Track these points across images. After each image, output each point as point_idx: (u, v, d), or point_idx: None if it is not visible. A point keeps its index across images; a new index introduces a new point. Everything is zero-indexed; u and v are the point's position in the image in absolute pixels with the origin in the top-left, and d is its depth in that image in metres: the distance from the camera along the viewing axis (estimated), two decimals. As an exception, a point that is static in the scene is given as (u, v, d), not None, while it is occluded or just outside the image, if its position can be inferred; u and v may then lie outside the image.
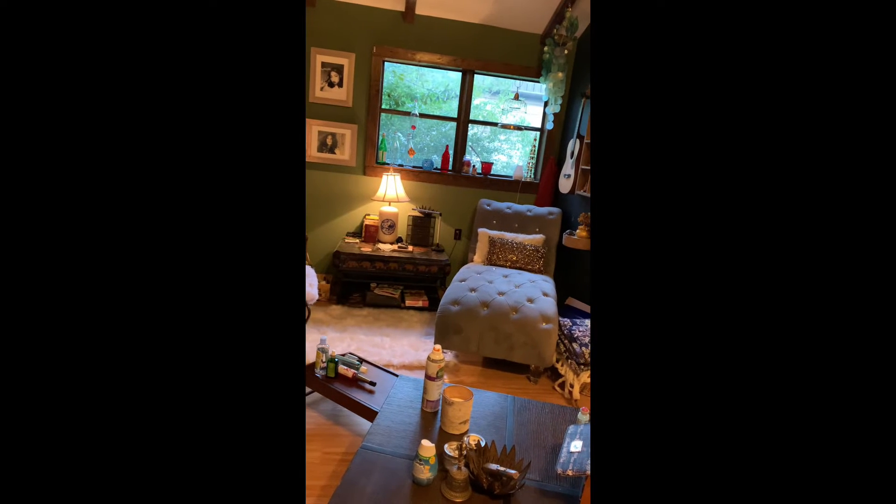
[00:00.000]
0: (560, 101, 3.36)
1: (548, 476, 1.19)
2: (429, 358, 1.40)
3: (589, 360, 2.27)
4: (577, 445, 1.14)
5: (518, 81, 3.65)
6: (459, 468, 1.10)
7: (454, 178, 3.65)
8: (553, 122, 3.47)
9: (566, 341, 2.41)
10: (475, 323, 2.41)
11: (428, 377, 1.41)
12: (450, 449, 1.17)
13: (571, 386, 2.30)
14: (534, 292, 2.61)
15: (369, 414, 1.72)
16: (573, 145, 3.23)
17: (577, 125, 3.22)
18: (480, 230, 3.29)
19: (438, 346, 1.41)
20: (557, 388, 2.41)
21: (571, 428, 1.23)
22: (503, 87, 3.82)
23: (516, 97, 3.61)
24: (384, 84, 3.49)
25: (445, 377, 1.39)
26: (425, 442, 1.11)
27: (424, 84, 3.80)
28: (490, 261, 3.14)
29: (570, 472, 1.04)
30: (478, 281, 2.70)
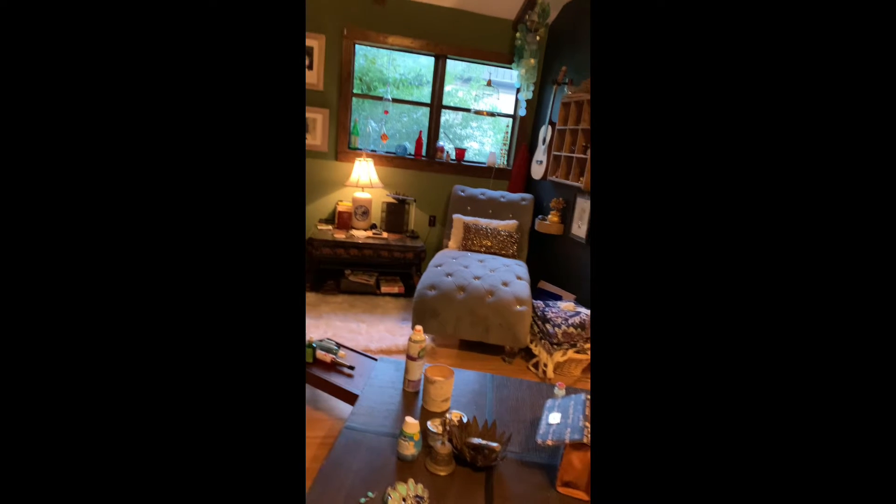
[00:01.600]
0: (532, 88, 3.40)
1: (527, 448, 1.24)
2: (410, 339, 1.42)
3: (562, 339, 2.35)
4: (555, 417, 1.19)
5: (490, 68, 3.66)
6: (443, 443, 1.13)
7: (428, 164, 3.65)
8: (525, 108, 3.51)
9: (540, 322, 2.48)
10: (452, 307, 2.44)
11: (409, 357, 1.43)
12: (433, 425, 1.19)
13: (545, 365, 2.37)
14: (508, 276, 2.66)
15: (349, 397, 1.73)
16: (545, 132, 3.27)
17: (549, 112, 3.26)
18: (455, 216, 3.31)
19: (420, 327, 1.43)
20: (532, 368, 2.48)
21: (549, 402, 1.28)
22: (475, 73, 3.82)
23: (489, 84, 3.62)
24: (356, 68, 3.43)
25: (426, 357, 1.41)
26: (409, 419, 1.13)
27: (396, 69, 3.75)
28: (465, 246, 3.17)
29: (549, 442, 1.09)
30: (454, 266, 2.73)
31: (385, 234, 3.38)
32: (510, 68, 3.55)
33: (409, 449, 1.12)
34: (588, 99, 2.70)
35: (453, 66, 3.69)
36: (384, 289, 3.28)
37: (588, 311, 2.47)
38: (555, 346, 2.35)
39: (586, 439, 1.05)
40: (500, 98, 3.85)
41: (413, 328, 2.51)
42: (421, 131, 3.63)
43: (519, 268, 2.85)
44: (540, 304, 2.58)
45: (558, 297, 2.95)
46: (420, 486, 1.03)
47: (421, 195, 3.66)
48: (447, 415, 1.29)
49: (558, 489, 1.09)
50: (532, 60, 3.26)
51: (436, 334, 2.54)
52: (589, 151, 2.64)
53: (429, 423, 1.20)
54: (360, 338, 2.60)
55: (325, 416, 1.93)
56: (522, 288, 2.56)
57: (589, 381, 2.43)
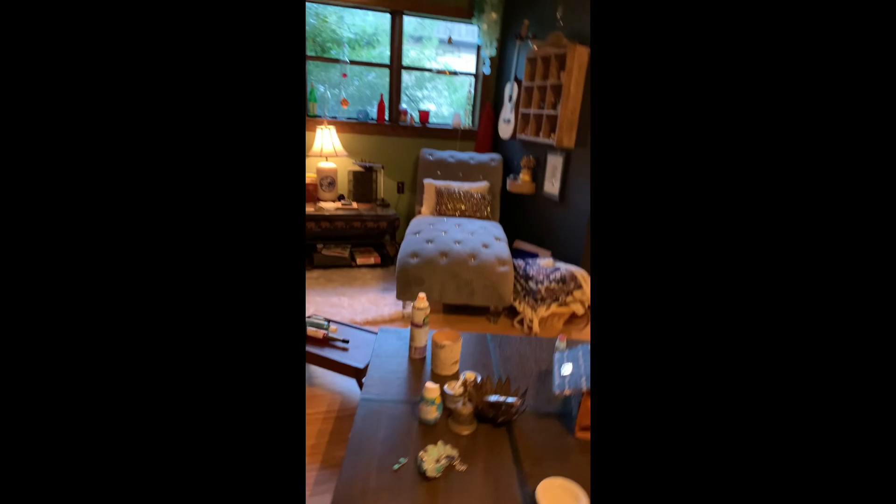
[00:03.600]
0: (495, 45, 3.32)
1: (540, 400, 1.29)
2: (414, 307, 1.41)
3: (545, 295, 2.41)
4: (567, 369, 1.23)
5: (450, 24, 3.52)
6: (464, 403, 1.14)
7: (392, 129, 3.53)
8: (490, 66, 3.43)
9: (522, 280, 2.53)
10: (436, 273, 2.44)
11: (414, 325, 1.42)
12: (450, 388, 1.21)
13: (531, 321, 2.44)
14: (487, 238, 2.68)
15: (350, 371, 1.72)
16: (510, 89, 3.23)
17: (514, 69, 3.21)
18: (426, 181, 3.25)
19: (423, 295, 1.42)
20: (517, 325, 2.55)
21: (557, 355, 1.32)
22: (426, 31, 3.66)
23: (449, 41, 3.50)
24: (307, 28, 3.20)
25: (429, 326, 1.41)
26: (429, 384, 1.13)
27: (350, 28, 3.53)
28: (439, 211, 3.14)
29: (567, 392, 1.14)
30: (432, 232, 2.71)
31: (355, 205, 3.29)
32: (470, 23, 3.44)
33: (432, 413, 1.13)
34: (556, 53, 2.67)
35: (406, 25, 3.53)
36: (360, 260, 3.22)
37: (567, 266, 2.54)
38: (538, 302, 2.42)
39: (603, 385, 1.10)
40: (461, 57, 3.74)
41: (397, 297, 2.50)
42: (382, 94, 3.49)
43: (495, 229, 2.87)
44: (521, 262, 2.63)
45: (534, 256, 3.01)
46: (448, 446, 1.05)
47: (387, 161, 3.56)
48: (461, 375, 1.31)
49: (577, 435, 1.15)
50: (494, 14, 3.17)
51: (421, 301, 2.54)
52: (559, 107, 2.64)
53: (446, 387, 1.21)
54: (344, 311, 2.56)
55: (323, 392, 1.90)
56: (502, 249, 2.58)
57: (573, 332, 2.54)
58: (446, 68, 3.65)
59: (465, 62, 3.76)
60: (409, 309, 2.65)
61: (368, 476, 0.97)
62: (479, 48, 3.58)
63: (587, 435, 1.14)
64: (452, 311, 2.67)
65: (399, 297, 2.50)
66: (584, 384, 1.12)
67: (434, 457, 1.00)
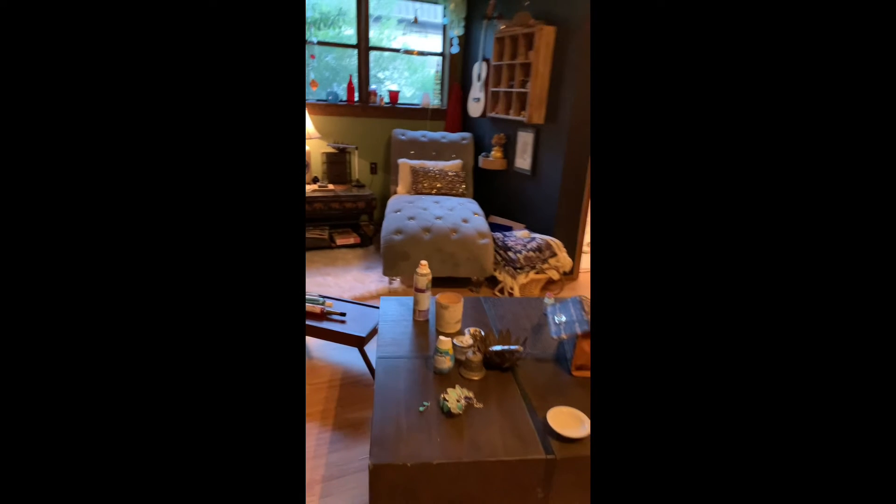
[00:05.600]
0: (462, 25, 3.39)
1: (537, 348, 1.44)
2: (417, 272, 1.51)
3: (524, 263, 2.57)
4: (560, 318, 1.38)
5: (416, 4, 3.55)
6: (474, 352, 1.27)
7: (362, 110, 3.55)
8: (459, 45, 3.49)
9: (502, 251, 2.68)
10: (420, 247, 2.54)
11: (418, 290, 1.53)
12: (459, 342, 1.33)
13: (511, 288, 2.60)
14: (466, 213, 2.80)
15: (353, 340, 1.81)
16: (479, 69, 3.32)
17: (482, 48, 3.30)
18: (400, 161, 3.31)
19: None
20: (498, 293, 2.71)
21: (549, 308, 1.47)
22: (384, 11, 3.66)
23: (415, 21, 3.53)
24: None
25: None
26: (442, 337, 1.25)
27: (313, 7, 3.48)
28: (416, 190, 3.22)
29: (564, 336, 1.29)
30: (413, 210, 2.79)
31: (331, 186, 3.31)
32: (436, 3, 3.48)
33: (446, 363, 1.25)
34: (523, 32, 2.78)
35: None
36: (339, 241, 3.26)
37: (541, 236, 2.70)
38: (518, 270, 2.58)
39: (595, 327, 1.26)
40: (428, 37, 3.78)
41: (384, 273, 2.59)
42: (351, 75, 3.49)
43: (472, 205, 2.99)
44: (499, 235, 2.77)
45: (509, 229, 3.17)
46: (464, 389, 1.18)
47: (360, 142, 3.58)
48: (466, 331, 1.43)
49: (574, 373, 1.31)
50: (460, -6, 3.22)
51: (407, 275, 2.64)
52: (528, 85, 2.76)
53: (454, 340, 1.34)
54: (331, 290, 2.62)
55: (323, 364, 1.98)
56: (481, 223, 2.71)
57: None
58: (405, 48, 3.67)
59: (432, 42, 3.80)
60: (395, 284, 2.75)
61: (399, 419, 1.09)
62: (444, 28, 3.64)
63: (582, 373, 1.30)
64: (436, 283, 2.79)
65: (386, 272, 2.58)
66: (578, 329, 1.28)
67: (455, 397, 1.12)
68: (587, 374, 1.31)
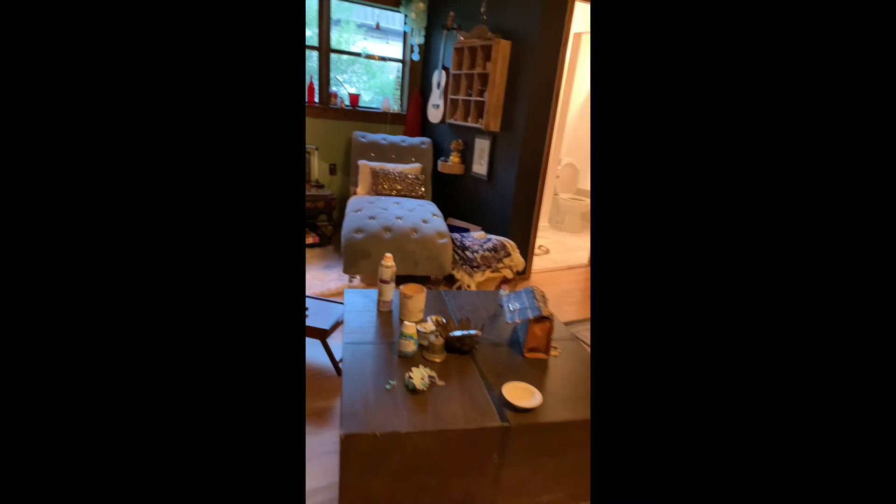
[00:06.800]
0: (423, 33, 3.51)
1: (493, 334, 1.56)
2: (382, 264, 1.59)
3: (480, 262, 2.71)
4: (514, 305, 1.51)
5: (378, 10, 3.64)
6: (437, 336, 1.37)
7: (323, 111, 3.58)
8: (419, 53, 3.61)
9: (460, 251, 2.80)
10: (381, 246, 2.61)
11: (382, 281, 1.61)
12: (422, 327, 1.43)
13: (468, 286, 2.73)
14: (425, 214, 2.90)
15: (317, 332, 1.85)
16: (439, 76, 3.46)
17: (442, 57, 3.44)
18: (360, 162, 3.37)
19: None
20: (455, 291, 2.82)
21: (504, 297, 1.60)
22: (343, 14, 3.72)
23: (377, 27, 3.62)
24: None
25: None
26: (407, 322, 1.34)
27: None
28: (376, 191, 3.29)
29: (517, 321, 1.41)
30: (373, 210, 2.86)
31: (290, 186, 3.30)
32: (398, 11, 3.59)
33: (411, 346, 1.34)
34: (481, 44, 2.94)
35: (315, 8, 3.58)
36: (298, 240, 3.26)
37: (497, 237, 2.86)
38: (475, 269, 2.71)
39: (545, 312, 1.39)
40: (389, 43, 3.87)
41: (344, 271, 2.64)
42: (311, 76, 3.52)
43: (431, 206, 3.10)
44: (457, 235, 2.89)
45: (466, 230, 3.30)
46: (427, 369, 1.27)
47: (319, 143, 3.61)
48: (428, 319, 1.53)
49: (526, 355, 1.44)
50: (421, 4, 3.35)
51: (367, 273, 2.70)
52: (486, 94, 2.92)
53: (418, 326, 1.43)
54: (291, 287, 2.63)
55: (285, 357, 2.01)
56: (440, 223, 2.83)
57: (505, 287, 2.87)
58: (365, 52, 3.74)
59: (393, 49, 3.89)
60: (355, 282, 2.80)
61: (367, 396, 1.16)
62: (405, 35, 3.75)
63: (534, 354, 1.44)
64: (396, 282, 2.86)
65: (346, 270, 2.63)
66: (530, 314, 1.41)
67: (419, 375, 1.22)
68: (538, 355, 1.44)
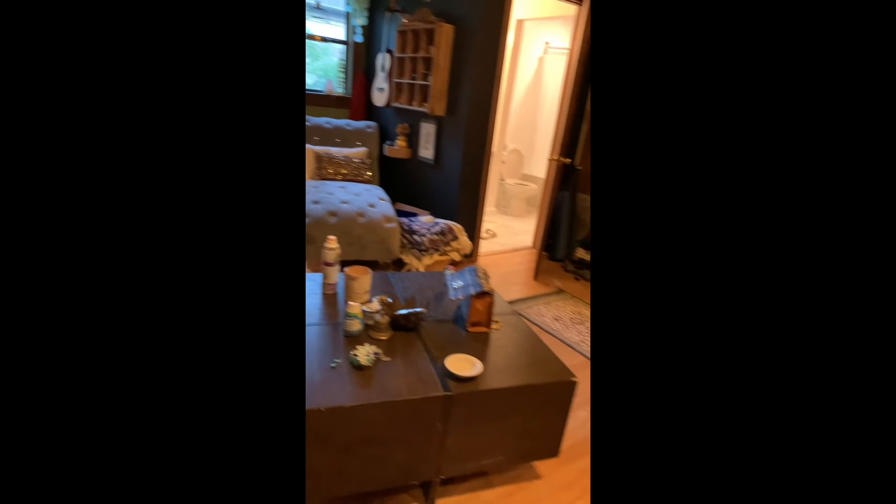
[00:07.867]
0: (366, 14, 3.45)
1: (437, 312, 1.61)
2: (325, 247, 1.59)
3: (428, 246, 2.75)
4: (458, 283, 1.57)
5: (318, -12, 3.52)
6: (382, 315, 1.40)
7: (263, 93, 3.44)
8: (363, 35, 3.54)
9: (408, 235, 2.82)
10: (326, 231, 2.58)
11: (326, 264, 1.61)
12: (367, 307, 1.45)
13: (417, 269, 2.76)
14: (372, 199, 2.89)
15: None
16: (383, 59, 3.42)
17: (385, 39, 3.40)
18: (305, 146, 3.28)
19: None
20: (404, 275, 2.85)
21: (449, 276, 1.65)
22: None
23: (318, 6, 3.51)
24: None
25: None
26: (352, 303, 1.36)
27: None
28: (321, 176, 3.23)
29: (460, 298, 1.47)
30: (318, 194, 2.82)
31: (229, 171, 3.17)
32: (339, -9, 3.49)
33: (356, 325, 1.36)
34: (424, 28, 2.94)
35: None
36: (239, 227, 3.15)
37: (444, 221, 2.90)
38: (423, 252, 2.75)
39: (486, 288, 1.46)
40: (330, 24, 3.76)
41: (329, 236, 2.58)
42: (249, 56, 3.36)
43: (378, 191, 3.09)
44: (405, 220, 2.91)
45: (414, 215, 3.33)
46: (373, 346, 1.30)
47: (260, 127, 3.47)
48: (374, 298, 1.55)
49: (469, 329, 1.50)
50: (363, -15, 3.28)
51: (313, 260, 2.66)
52: (430, 78, 2.93)
53: (363, 306, 1.45)
54: (233, 275, 2.55)
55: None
56: (387, 208, 2.83)
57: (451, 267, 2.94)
58: (307, 33, 3.64)
59: (335, 30, 3.79)
60: (300, 269, 2.75)
61: (312, 374, 1.18)
62: (348, 16, 3.66)
63: (477, 328, 1.50)
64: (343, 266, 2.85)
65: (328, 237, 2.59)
66: (472, 291, 1.47)
67: (364, 352, 1.24)
68: (480, 329, 1.51)
